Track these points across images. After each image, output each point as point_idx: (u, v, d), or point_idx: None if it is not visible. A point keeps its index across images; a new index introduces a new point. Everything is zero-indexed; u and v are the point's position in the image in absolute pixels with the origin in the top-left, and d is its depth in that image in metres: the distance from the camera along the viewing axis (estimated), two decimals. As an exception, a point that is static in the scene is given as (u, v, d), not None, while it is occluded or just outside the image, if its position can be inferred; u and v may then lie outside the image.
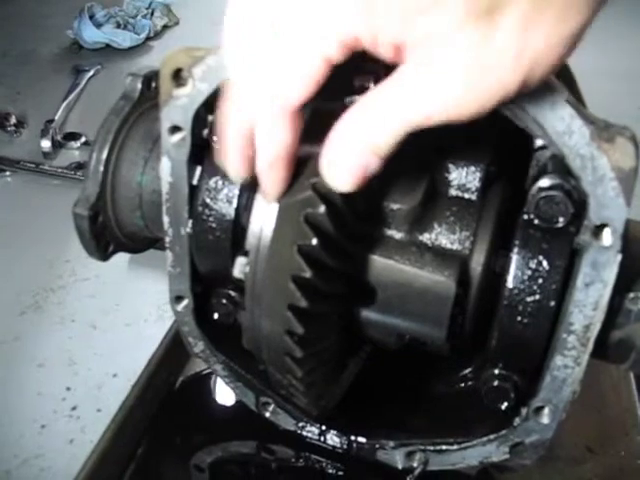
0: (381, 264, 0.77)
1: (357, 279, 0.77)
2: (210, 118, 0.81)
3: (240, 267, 0.77)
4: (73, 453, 1.02)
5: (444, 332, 0.77)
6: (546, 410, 0.77)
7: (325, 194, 0.68)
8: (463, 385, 0.96)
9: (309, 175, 0.69)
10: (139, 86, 0.95)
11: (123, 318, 1.31)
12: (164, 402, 1.11)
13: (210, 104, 0.78)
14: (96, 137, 0.93)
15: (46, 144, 1.92)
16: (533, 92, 0.64)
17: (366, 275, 0.77)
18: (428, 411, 0.95)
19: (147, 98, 0.96)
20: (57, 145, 1.95)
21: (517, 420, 0.80)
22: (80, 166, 1.82)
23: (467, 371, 0.96)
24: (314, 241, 0.67)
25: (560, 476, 0.94)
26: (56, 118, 2.04)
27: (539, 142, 0.74)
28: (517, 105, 0.64)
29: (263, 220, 0.74)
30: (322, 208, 0.67)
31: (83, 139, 1.96)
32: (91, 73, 2.38)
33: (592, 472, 0.96)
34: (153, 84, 0.97)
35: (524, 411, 0.79)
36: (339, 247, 0.71)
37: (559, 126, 0.64)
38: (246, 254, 0.75)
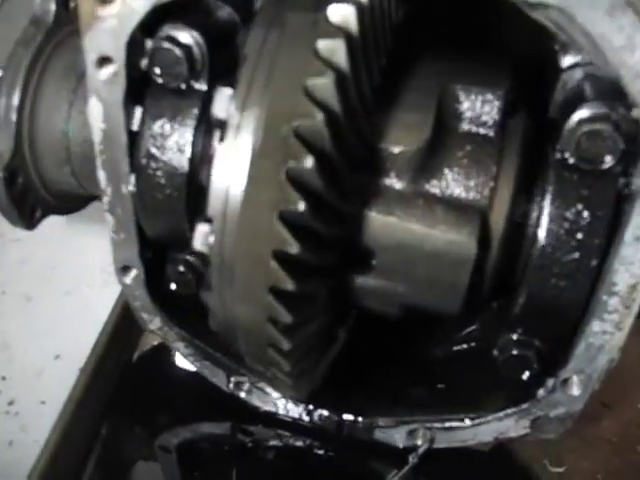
0: (379, 222, 0.62)
1: (352, 243, 0.63)
2: (149, 44, 0.63)
3: (202, 237, 0.61)
4: (14, 457, 0.87)
5: (459, 301, 0.64)
6: (577, 380, 0.67)
7: (312, 140, 0.52)
8: (466, 346, 0.84)
9: (289, 115, 0.53)
10: (53, 7, 0.77)
11: (62, 285, 1.13)
12: (120, 383, 0.98)
13: (148, 26, 0.61)
14: (3, 77, 0.76)
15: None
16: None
17: (362, 237, 0.63)
18: (428, 378, 0.84)
19: (65, 22, 0.79)
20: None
21: (541, 392, 0.69)
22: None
23: (471, 329, 0.84)
24: (301, 206, 0.52)
25: (577, 437, 0.84)
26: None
27: (568, 60, 0.59)
28: (563, 11, 0.49)
29: (229, 177, 0.58)
30: (310, 161, 0.52)
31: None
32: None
33: (610, 430, 0.88)
34: (72, 3, 0.79)
35: (550, 382, 0.68)
36: (332, 209, 0.56)
37: (617, 39, 0.49)
38: (209, 221, 0.60)
